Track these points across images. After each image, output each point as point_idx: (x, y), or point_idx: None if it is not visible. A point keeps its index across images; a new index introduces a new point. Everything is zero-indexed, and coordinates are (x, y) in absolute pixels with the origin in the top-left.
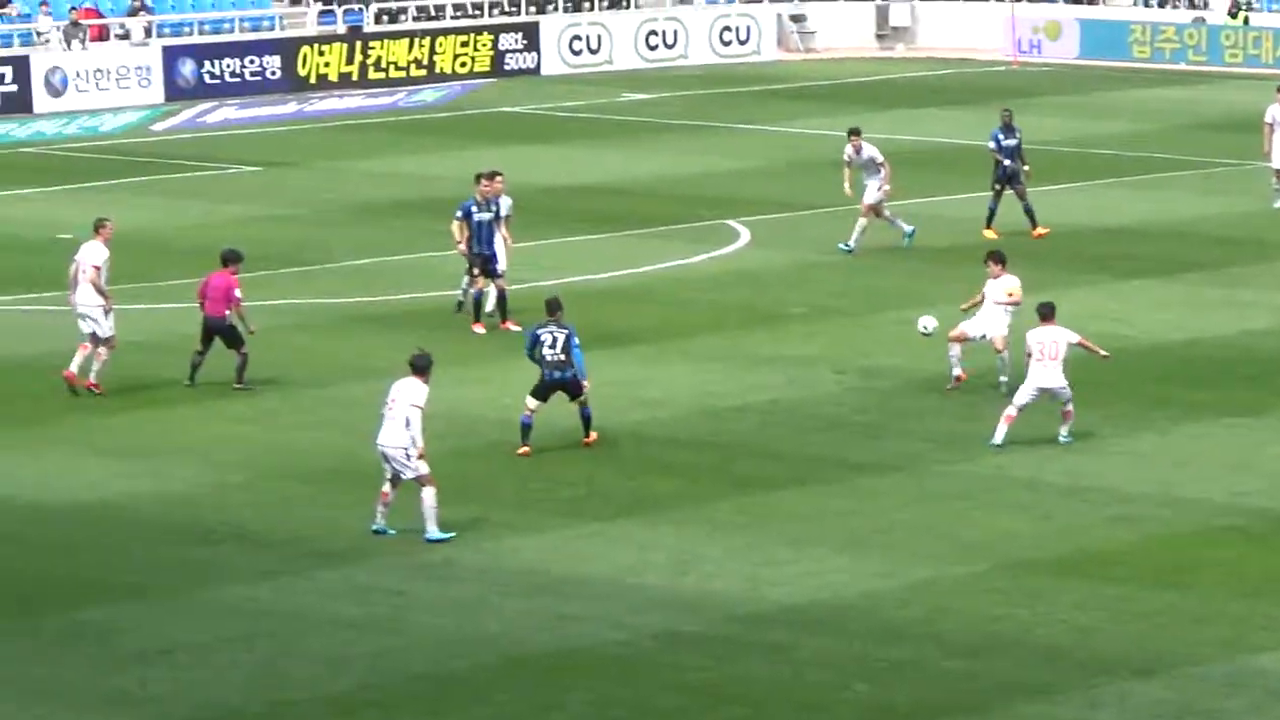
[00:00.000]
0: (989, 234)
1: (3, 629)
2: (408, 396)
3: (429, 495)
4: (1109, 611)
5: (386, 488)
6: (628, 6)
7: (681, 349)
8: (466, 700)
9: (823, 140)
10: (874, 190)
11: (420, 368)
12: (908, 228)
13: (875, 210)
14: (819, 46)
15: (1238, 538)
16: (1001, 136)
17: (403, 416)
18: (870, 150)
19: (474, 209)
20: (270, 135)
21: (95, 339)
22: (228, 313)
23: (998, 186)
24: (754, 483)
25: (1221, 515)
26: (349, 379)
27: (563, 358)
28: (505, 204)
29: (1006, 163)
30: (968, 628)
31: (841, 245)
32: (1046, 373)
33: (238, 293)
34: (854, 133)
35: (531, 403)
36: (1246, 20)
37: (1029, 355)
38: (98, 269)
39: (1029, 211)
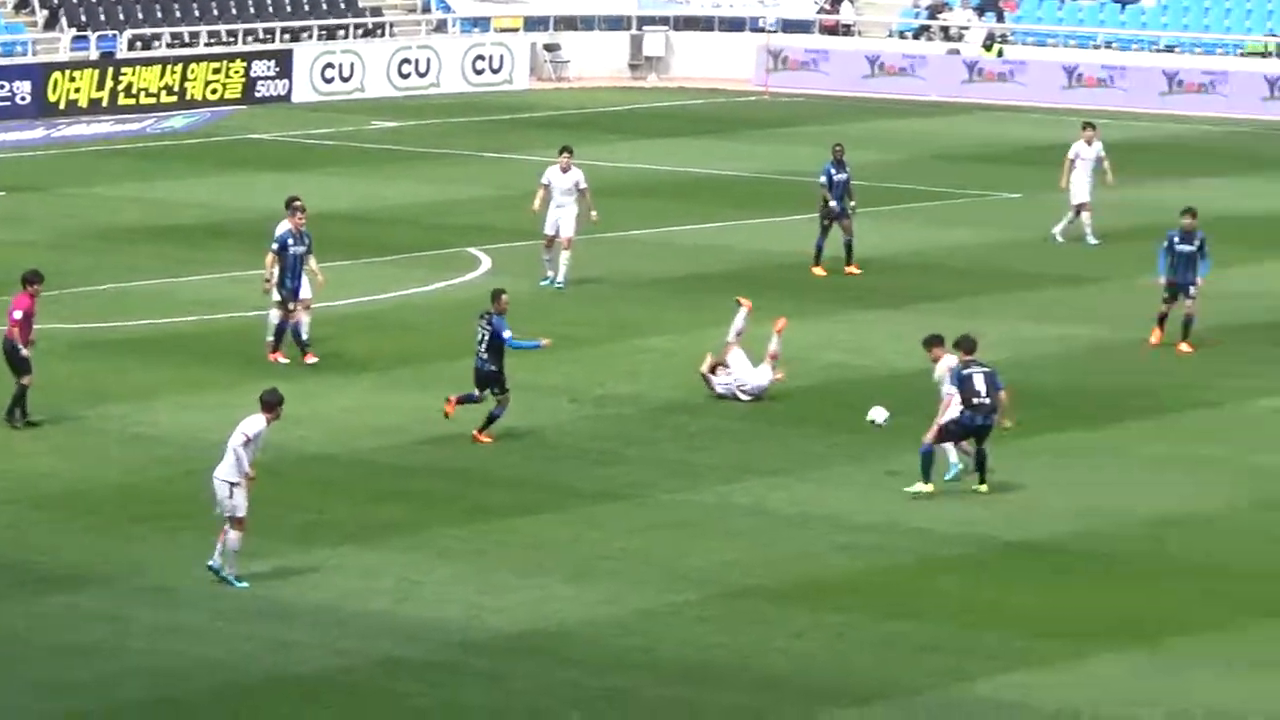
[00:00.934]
0: (818, 271)
1: None
2: (240, 426)
3: (234, 537)
4: (831, 640)
5: (228, 525)
6: (382, 35)
7: (418, 376)
8: None
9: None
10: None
11: (266, 403)
12: (550, 275)
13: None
14: (572, 76)
15: (963, 566)
16: (834, 171)
17: (233, 449)
18: (577, 174)
19: (290, 241)
20: (17, 160)
21: None
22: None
23: (826, 223)
24: (483, 510)
25: (947, 545)
26: (82, 405)
27: (486, 355)
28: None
29: (832, 203)
30: (687, 656)
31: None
32: None
33: (16, 314)
34: (565, 150)
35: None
36: (1000, 53)
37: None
38: None
39: (849, 246)
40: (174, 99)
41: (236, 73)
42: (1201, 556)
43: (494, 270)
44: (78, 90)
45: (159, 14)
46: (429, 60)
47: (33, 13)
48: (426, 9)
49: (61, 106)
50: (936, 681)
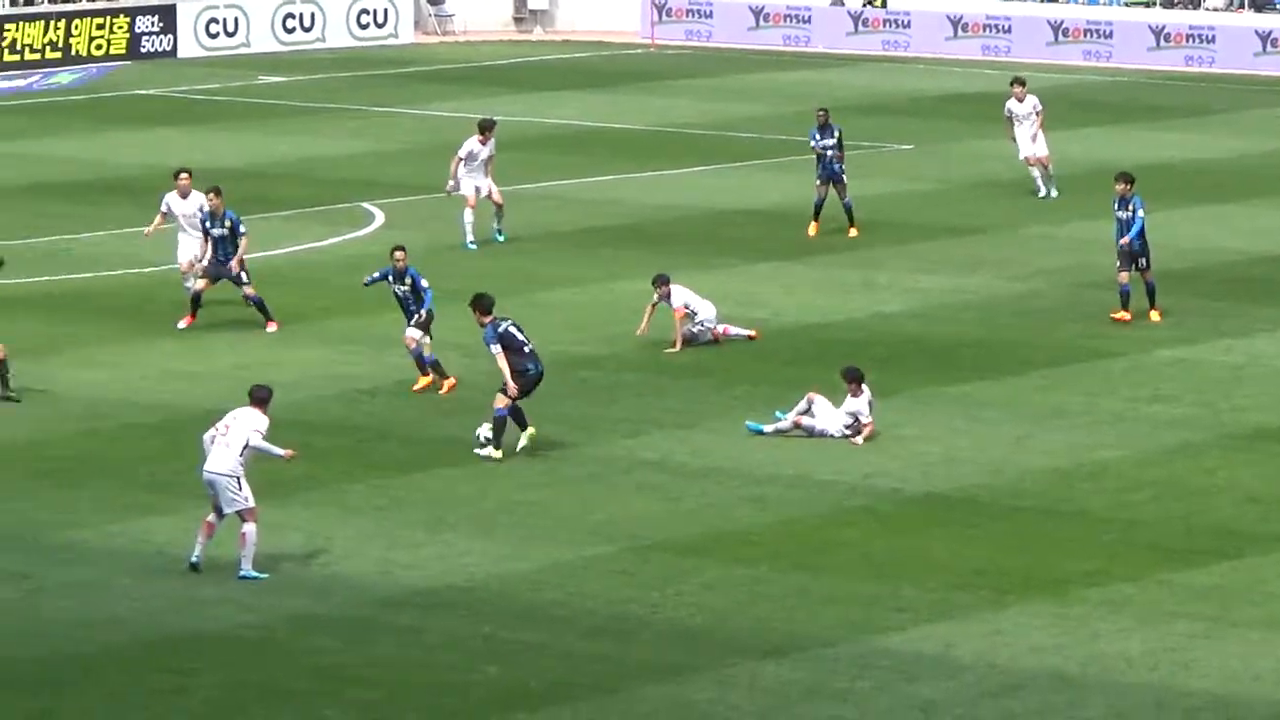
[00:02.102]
0: (812, 230)
1: None
2: (249, 423)
3: (251, 531)
4: (740, 593)
5: (211, 517)
6: None
7: (316, 331)
8: (93, 682)
9: (460, 123)
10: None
11: (261, 399)
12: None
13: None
14: (457, 29)
15: (868, 519)
16: (818, 135)
17: (238, 443)
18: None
19: (208, 225)
20: None
21: None
22: None
23: (819, 183)
24: (387, 465)
25: (852, 496)
26: None
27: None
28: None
29: (827, 158)
30: (599, 609)
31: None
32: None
33: None
34: (485, 127)
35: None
36: (884, 3)
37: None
38: None
39: (848, 209)
40: (58, 55)
41: (121, 28)
42: (1110, 506)
43: (388, 224)
44: None
45: None
46: (313, 15)
47: None
48: None
49: None
50: (849, 633)
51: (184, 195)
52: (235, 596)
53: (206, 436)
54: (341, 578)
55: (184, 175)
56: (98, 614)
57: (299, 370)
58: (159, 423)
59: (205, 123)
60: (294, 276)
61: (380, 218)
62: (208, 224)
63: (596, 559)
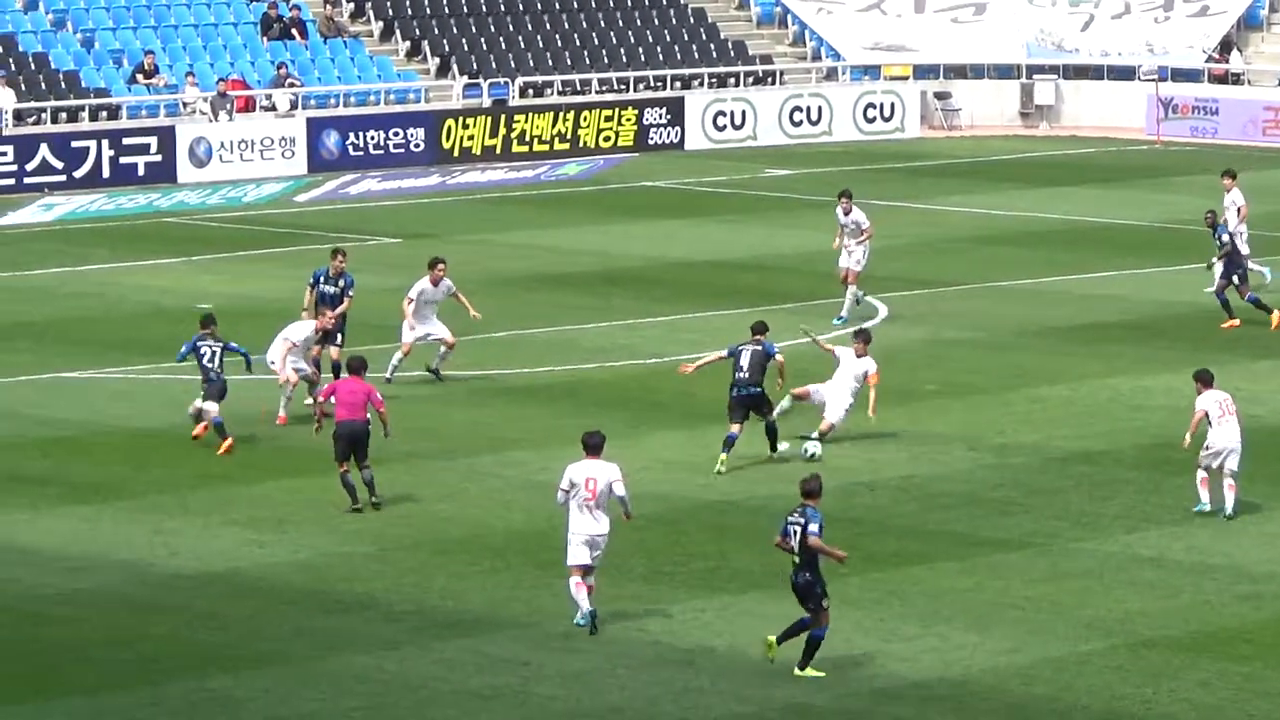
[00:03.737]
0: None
1: (128, 697)
2: (609, 475)
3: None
4: (1235, 690)
5: (583, 578)
6: (773, 83)
7: (815, 424)
8: None
9: (965, 217)
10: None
11: (597, 445)
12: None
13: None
14: (963, 124)
15: None
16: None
17: (606, 502)
18: (858, 214)
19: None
20: (412, 207)
21: None
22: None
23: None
24: (883, 558)
25: None
26: (480, 451)
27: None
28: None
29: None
30: (1092, 705)
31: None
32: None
33: (380, 395)
34: (844, 195)
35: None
36: None
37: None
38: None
39: (1253, 303)
40: (566, 146)
41: (629, 120)
42: None
43: (891, 318)
44: (471, 137)
45: (550, 61)
46: (820, 109)
47: (424, 60)
48: (817, 57)
49: (455, 154)
50: None
51: (435, 284)
52: (729, 687)
53: (563, 498)
54: (836, 669)
55: (440, 265)
56: (594, 703)
57: (797, 462)
58: (657, 513)
59: (710, 215)
60: (796, 369)
61: (884, 311)
62: (320, 279)
63: (1090, 654)
